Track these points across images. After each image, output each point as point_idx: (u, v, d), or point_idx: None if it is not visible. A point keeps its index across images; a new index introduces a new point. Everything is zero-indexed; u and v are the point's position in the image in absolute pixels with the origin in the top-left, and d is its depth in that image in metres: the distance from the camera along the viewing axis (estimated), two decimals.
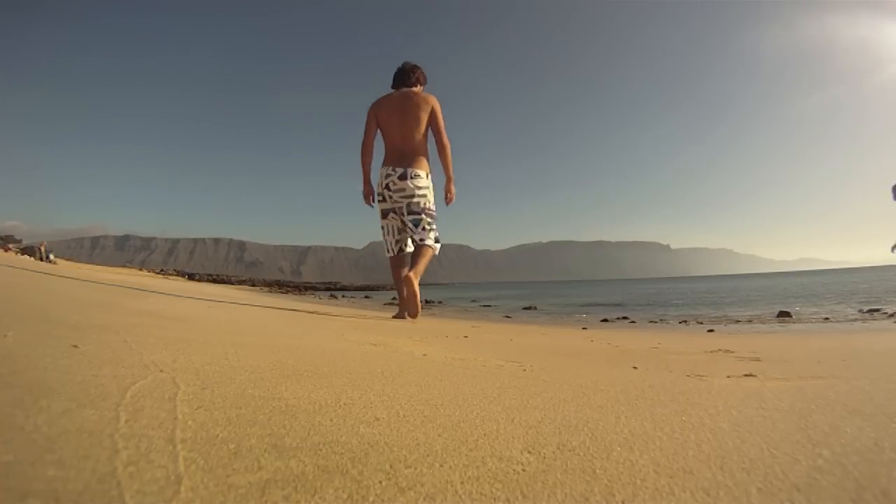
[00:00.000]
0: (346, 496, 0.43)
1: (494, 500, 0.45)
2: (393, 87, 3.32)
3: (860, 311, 6.55)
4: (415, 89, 3.29)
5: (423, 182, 3.19)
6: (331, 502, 0.42)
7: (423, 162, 3.21)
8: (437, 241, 3.27)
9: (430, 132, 3.27)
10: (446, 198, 3.35)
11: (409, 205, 3.18)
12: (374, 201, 3.31)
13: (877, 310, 6.44)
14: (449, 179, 3.31)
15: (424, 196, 3.19)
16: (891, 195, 4.30)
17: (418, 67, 3.36)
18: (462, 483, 0.48)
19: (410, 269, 3.11)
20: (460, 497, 0.45)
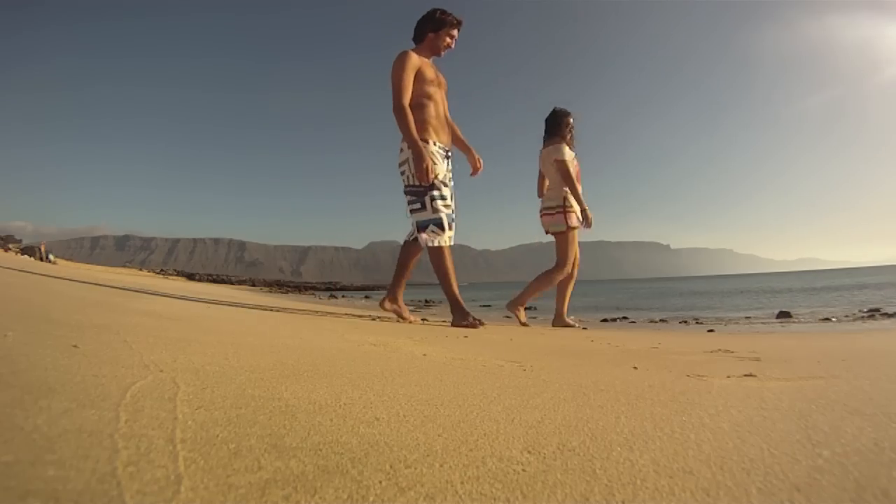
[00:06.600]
0: (346, 496, 0.43)
1: (494, 500, 0.45)
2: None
3: (860, 311, 6.56)
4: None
5: (402, 157, 2.72)
6: (331, 502, 0.42)
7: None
8: (425, 226, 2.68)
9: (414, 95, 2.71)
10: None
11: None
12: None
13: (877, 310, 6.45)
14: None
15: (402, 173, 2.72)
16: None
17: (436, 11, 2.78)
18: (462, 483, 0.48)
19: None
20: (460, 497, 0.45)
